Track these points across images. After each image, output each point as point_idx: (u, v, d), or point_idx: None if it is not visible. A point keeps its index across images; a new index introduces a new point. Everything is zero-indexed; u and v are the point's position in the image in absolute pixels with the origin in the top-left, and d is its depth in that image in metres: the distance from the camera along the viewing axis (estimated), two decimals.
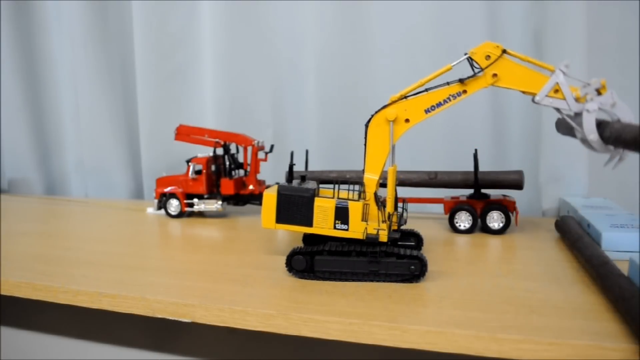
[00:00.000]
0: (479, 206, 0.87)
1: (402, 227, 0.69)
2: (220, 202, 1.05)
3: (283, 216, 0.64)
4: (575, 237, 0.72)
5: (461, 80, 0.62)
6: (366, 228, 0.62)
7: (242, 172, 1.09)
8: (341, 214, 0.62)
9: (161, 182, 1.09)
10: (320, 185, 0.76)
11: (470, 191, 0.91)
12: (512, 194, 0.92)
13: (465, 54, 0.63)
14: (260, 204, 1.04)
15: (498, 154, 1.09)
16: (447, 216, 0.89)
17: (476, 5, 1.05)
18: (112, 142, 1.40)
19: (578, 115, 0.62)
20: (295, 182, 0.68)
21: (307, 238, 0.72)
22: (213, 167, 1.08)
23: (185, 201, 1.06)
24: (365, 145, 0.64)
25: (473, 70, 0.62)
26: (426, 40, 1.09)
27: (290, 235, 0.86)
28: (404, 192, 0.98)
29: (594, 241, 0.69)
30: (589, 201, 0.91)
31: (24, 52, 1.45)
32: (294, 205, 0.63)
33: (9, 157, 1.53)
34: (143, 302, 0.59)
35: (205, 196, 1.06)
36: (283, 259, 0.65)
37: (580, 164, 0.99)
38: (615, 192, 1.00)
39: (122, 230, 0.99)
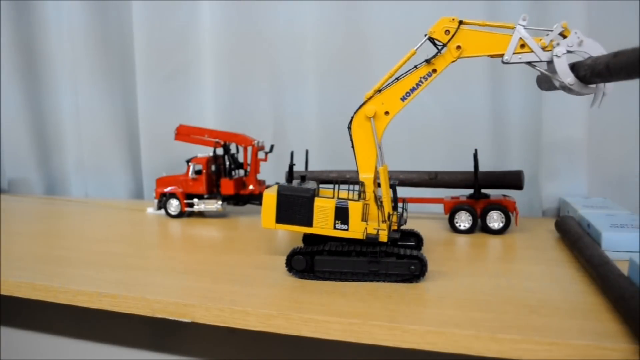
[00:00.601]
0: (479, 206, 0.87)
1: (402, 227, 0.69)
2: (220, 202, 1.05)
3: (283, 216, 0.64)
4: (575, 237, 0.72)
5: (427, 61, 0.62)
6: (366, 228, 0.61)
7: (242, 172, 1.09)
8: (341, 214, 0.62)
9: (161, 182, 1.09)
10: (320, 185, 0.77)
11: (470, 191, 0.91)
12: (512, 194, 0.92)
13: (425, 36, 0.64)
14: (260, 204, 1.05)
15: (498, 154, 1.09)
16: (447, 216, 0.89)
17: (476, 5, 1.05)
18: (112, 142, 1.40)
19: (551, 64, 0.63)
20: (295, 182, 0.68)
21: (307, 238, 0.72)
22: (213, 167, 1.08)
23: (185, 201, 1.06)
24: (352, 147, 0.64)
25: (437, 49, 0.63)
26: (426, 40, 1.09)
27: (290, 235, 0.86)
28: (404, 192, 0.98)
29: (594, 241, 0.69)
30: (589, 201, 0.91)
31: (24, 52, 1.45)
32: (294, 206, 0.63)
33: (9, 157, 1.53)
34: (143, 302, 0.59)
35: (205, 196, 1.06)
36: (283, 259, 0.65)
37: (580, 164, 0.99)
38: (615, 192, 1.00)
39: (122, 230, 0.99)
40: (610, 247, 0.68)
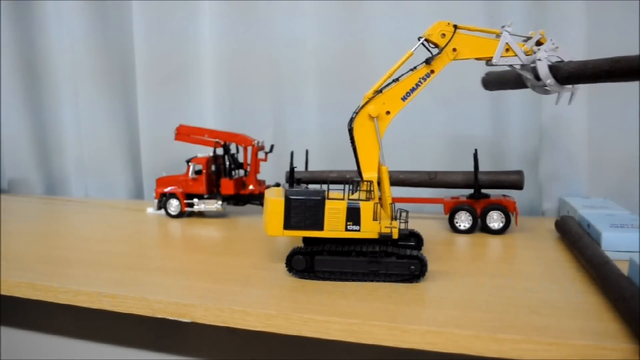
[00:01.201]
0: (479, 206, 0.87)
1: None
2: (220, 202, 1.05)
3: (292, 222, 0.61)
4: (575, 237, 0.72)
5: (428, 62, 0.65)
6: (380, 227, 0.61)
7: (242, 172, 1.09)
8: (353, 215, 0.61)
9: (161, 182, 1.09)
10: (311, 186, 0.76)
11: (470, 191, 0.91)
12: (512, 194, 0.92)
13: (420, 38, 0.66)
14: (260, 204, 1.05)
15: (498, 154, 1.09)
16: (447, 216, 0.89)
17: (476, 5, 1.05)
18: (112, 142, 1.40)
19: (525, 67, 0.71)
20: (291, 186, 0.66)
21: (307, 238, 0.72)
22: (213, 167, 1.08)
23: (185, 201, 1.06)
24: (353, 147, 0.63)
25: (430, 52, 0.66)
26: None
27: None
28: (404, 192, 0.98)
29: (594, 241, 0.69)
30: (589, 201, 0.91)
31: (24, 53, 1.45)
32: (304, 210, 0.61)
33: (9, 157, 1.53)
34: (143, 302, 0.59)
35: (205, 196, 1.06)
36: (283, 259, 0.65)
37: (580, 164, 0.99)
38: (615, 192, 1.00)
39: (122, 230, 0.99)
40: (610, 247, 0.68)
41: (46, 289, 0.64)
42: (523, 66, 0.71)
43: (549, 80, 0.71)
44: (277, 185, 1.08)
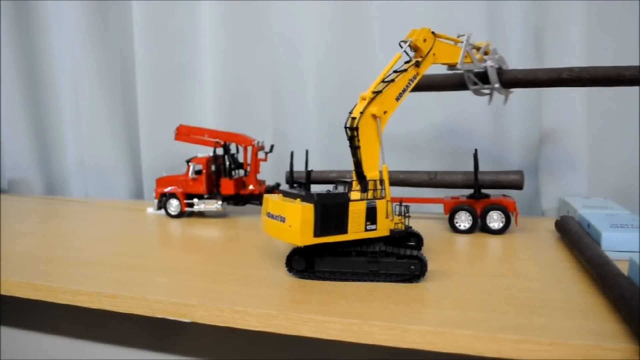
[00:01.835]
0: (479, 206, 0.87)
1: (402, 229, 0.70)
2: (220, 202, 1.05)
3: (322, 228, 0.58)
4: (575, 237, 0.72)
5: (417, 65, 0.68)
6: (394, 224, 0.63)
7: (242, 172, 1.09)
8: (371, 215, 0.61)
9: (161, 182, 1.09)
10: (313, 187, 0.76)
11: (470, 191, 0.91)
12: (512, 194, 0.92)
13: (406, 42, 0.69)
14: (261, 204, 1.05)
15: (498, 154, 1.09)
16: (447, 216, 0.89)
17: (476, 5, 1.05)
18: (112, 142, 1.40)
19: (470, 72, 0.83)
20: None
21: None
22: (213, 167, 1.08)
23: (185, 201, 1.06)
24: (355, 147, 0.62)
25: (408, 55, 0.70)
26: None
27: None
28: (404, 192, 0.98)
29: (594, 241, 0.69)
30: (589, 201, 0.91)
31: (24, 52, 1.45)
32: (332, 214, 0.59)
33: (9, 157, 1.53)
34: (143, 302, 0.59)
35: (205, 196, 1.06)
36: (283, 259, 0.65)
37: (580, 164, 0.99)
38: (615, 192, 1.00)
39: (122, 230, 0.99)
40: (610, 247, 0.68)
41: (46, 289, 0.64)
42: (469, 72, 0.81)
43: (497, 85, 0.81)
44: (278, 185, 1.08)
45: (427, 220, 0.97)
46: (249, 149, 1.06)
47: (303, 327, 0.52)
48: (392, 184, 0.97)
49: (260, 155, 1.06)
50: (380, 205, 0.62)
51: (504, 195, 0.90)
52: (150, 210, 1.13)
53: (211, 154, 1.08)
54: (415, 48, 0.70)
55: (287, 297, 0.58)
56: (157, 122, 1.33)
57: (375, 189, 0.63)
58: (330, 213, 0.58)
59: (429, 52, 0.70)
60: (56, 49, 1.45)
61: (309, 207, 0.57)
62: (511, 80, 0.83)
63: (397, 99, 0.66)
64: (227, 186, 1.04)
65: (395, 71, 0.67)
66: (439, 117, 1.11)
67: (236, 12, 1.22)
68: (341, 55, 1.16)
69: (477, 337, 0.46)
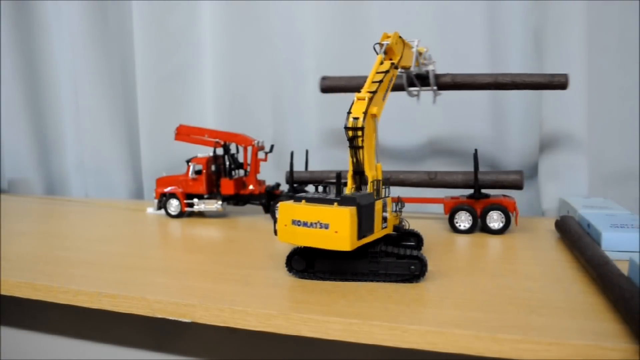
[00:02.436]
0: (479, 206, 0.87)
1: (404, 228, 0.70)
2: (220, 202, 1.05)
3: (362, 230, 0.58)
4: (575, 237, 0.72)
5: (396, 67, 0.71)
6: (398, 220, 0.67)
7: (242, 172, 1.09)
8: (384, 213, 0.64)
9: (161, 182, 1.09)
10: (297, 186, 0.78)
11: (470, 191, 0.91)
12: (512, 194, 0.92)
13: (380, 45, 0.72)
14: (261, 204, 1.05)
15: (498, 154, 1.09)
16: (447, 216, 0.89)
17: (476, 4, 1.05)
18: (112, 142, 1.40)
19: (412, 74, 0.90)
20: (312, 190, 0.65)
21: None
22: (213, 167, 1.08)
23: (185, 201, 1.06)
24: (358, 147, 0.62)
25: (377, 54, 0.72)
26: (426, 40, 1.09)
27: None
28: (404, 192, 0.98)
29: (594, 241, 0.69)
30: (589, 201, 0.91)
31: (24, 52, 1.45)
32: (368, 215, 0.59)
33: (9, 157, 1.53)
34: (143, 302, 0.59)
35: (205, 196, 1.06)
36: (283, 259, 0.65)
37: (580, 164, 0.99)
38: (615, 192, 1.00)
39: (122, 230, 0.99)
40: (610, 247, 0.68)
41: (46, 289, 0.64)
42: (412, 73, 0.89)
43: (435, 87, 0.89)
44: (278, 185, 1.08)
45: (427, 220, 0.97)
46: (249, 149, 1.05)
47: (303, 327, 0.52)
48: (392, 183, 0.97)
49: (260, 155, 1.06)
50: (388, 203, 0.65)
51: (504, 195, 0.90)
52: (150, 210, 1.13)
53: (211, 154, 1.08)
54: (388, 51, 0.72)
55: (287, 297, 0.58)
56: (157, 122, 1.33)
57: (378, 188, 0.63)
58: (367, 214, 0.59)
59: (402, 55, 0.73)
60: (56, 49, 1.45)
61: (354, 211, 0.56)
62: (449, 84, 0.90)
63: (383, 99, 0.67)
64: (227, 186, 1.04)
65: (378, 72, 0.68)
66: (439, 117, 1.11)
67: (236, 12, 1.22)
68: (341, 55, 1.16)
69: (477, 337, 0.46)
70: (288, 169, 1.01)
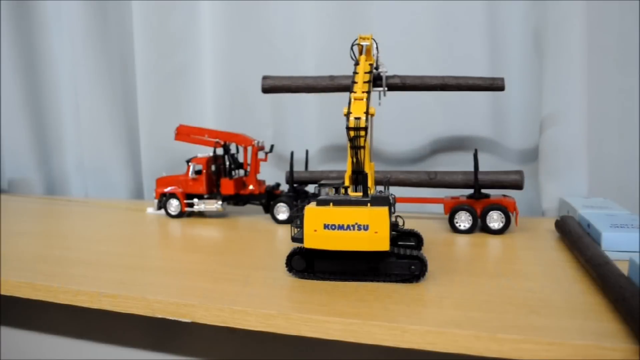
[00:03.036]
0: (479, 206, 0.87)
1: (402, 227, 0.70)
2: (220, 202, 1.05)
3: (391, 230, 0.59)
4: (575, 237, 0.71)
5: (377, 68, 0.75)
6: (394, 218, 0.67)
7: (242, 172, 1.09)
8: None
9: (161, 182, 1.09)
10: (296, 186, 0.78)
11: (470, 191, 0.91)
12: (512, 194, 0.92)
13: (358, 46, 0.75)
14: (261, 204, 1.05)
15: (498, 154, 1.09)
16: (447, 216, 0.89)
17: (476, 5, 1.05)
18: (112, 142, 1.40)
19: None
20: (324, 192, 0.63)
21: (296, 238, 0.71)
22: (213, 167, 1.08)
23: (185, 201, 1.06)
24: (359, 147, 0.62)
25: (352, 57, 0.77)
26: (426, 40, 1.09)
27: (289, 235, 0.85)
28: (404, 192, 0.98)
29: (594, 241, 0.69)
30: (589, 201, 0.91)
31: (24, 52, 1.45)
32: (391, 215, 0.62)
33: (9, 157, 1.53)
34: (143, 302, 0.59)
35: (205, 196, 1.06)
36: (283, 259, 0.65)
37: (580, 164, 0.99)
38: (615, 192, 1.00)
39: (122, 230, 0.99)
40: (610, 247, 0.68)
41: (46, 289, 0.64)
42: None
43: (386, 88, 0.90)
44: (278, 185, 1.08)
45: (427, 220, 0.97)
46: (249, 149, 1.05)
47: (303, 327, 0.52)
48: (392, 184, 0.97)
49: (260, 155, 1.06)
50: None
51: (504, 195, 0.90)
52: (150, 210, 1.13)
53: (211, 154, 1.08)
54: (363, 51, 0.74)
55: (287, 297, 0.58)
56: (157, 122, 1.33)
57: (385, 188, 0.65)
58: (391, 214, 0.61)
59: (377, 57, 0.77)
60: (56, 49, 1.44)
61: (385, 212, 0.57)
62: (398, 85, 0.93)
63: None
64: (227, 186, 1.04)
65: (365, 72, 0.70)
66: (439, 117, 1.11)
67: (236, 12, 1.22)
68: (341, 55, 1.16)
69: (477, 337, 0.46)
70: (288, 169, 1.01)
